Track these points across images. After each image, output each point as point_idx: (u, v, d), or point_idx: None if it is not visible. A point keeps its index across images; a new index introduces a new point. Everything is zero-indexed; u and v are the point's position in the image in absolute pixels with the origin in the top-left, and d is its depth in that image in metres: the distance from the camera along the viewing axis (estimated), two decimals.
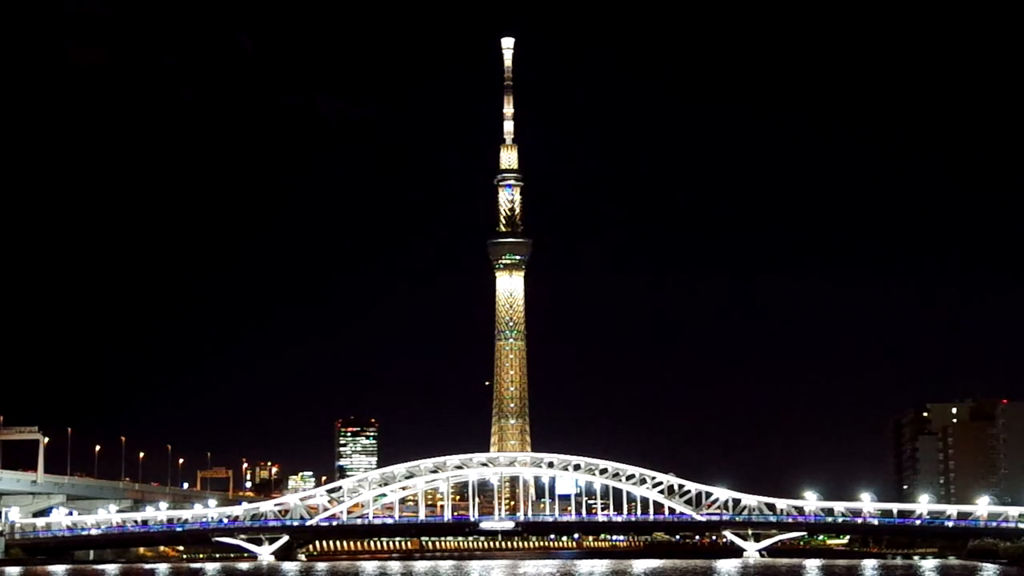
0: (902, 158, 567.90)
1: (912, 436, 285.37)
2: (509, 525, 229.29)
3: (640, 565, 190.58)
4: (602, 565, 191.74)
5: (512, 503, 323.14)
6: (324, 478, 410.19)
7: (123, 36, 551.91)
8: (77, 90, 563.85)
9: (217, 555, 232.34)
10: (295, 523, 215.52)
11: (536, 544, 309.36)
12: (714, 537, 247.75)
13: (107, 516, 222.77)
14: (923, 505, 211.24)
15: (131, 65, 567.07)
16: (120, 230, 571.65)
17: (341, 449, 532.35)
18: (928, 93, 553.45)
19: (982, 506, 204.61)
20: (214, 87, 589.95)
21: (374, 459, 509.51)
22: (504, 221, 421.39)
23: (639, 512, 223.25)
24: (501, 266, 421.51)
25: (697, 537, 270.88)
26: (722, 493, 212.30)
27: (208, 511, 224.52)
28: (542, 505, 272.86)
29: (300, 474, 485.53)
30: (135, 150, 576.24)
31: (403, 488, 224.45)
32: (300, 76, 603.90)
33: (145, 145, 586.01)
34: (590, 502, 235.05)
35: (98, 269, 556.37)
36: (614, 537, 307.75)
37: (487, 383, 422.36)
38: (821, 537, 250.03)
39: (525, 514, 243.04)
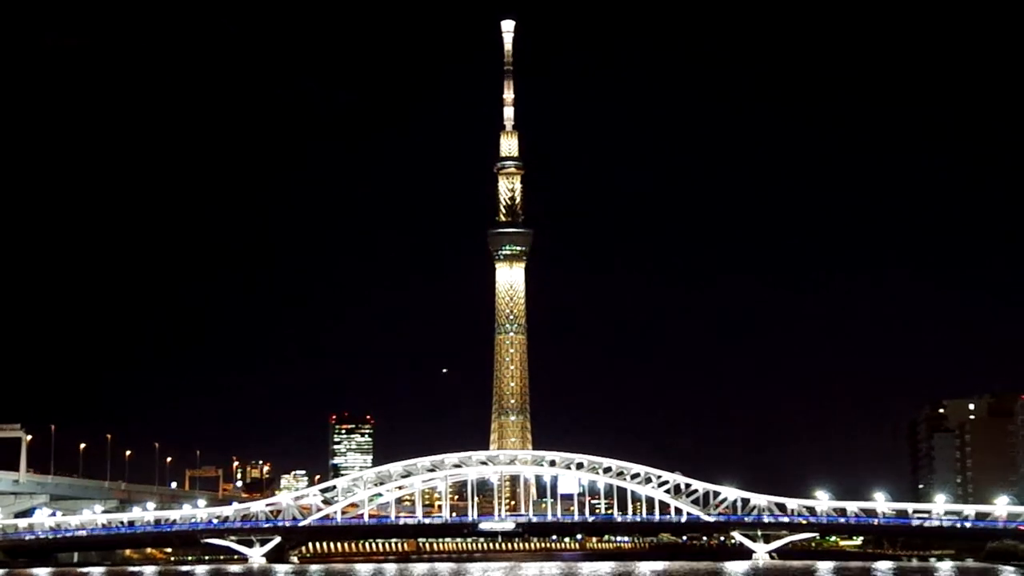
0: (917, 150, 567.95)
1: (928, 433, 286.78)
2: (509, 526, 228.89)
3: (645, 567, 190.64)
4: (606, 567, 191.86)
5: (512, 503, 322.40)
6: (317, 477, 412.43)
7: (103, 19, 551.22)
8: (55, 75, 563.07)
9: (206, 557, 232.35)
10: (287, 524, 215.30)
11: (537, 546, 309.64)
12: (722, 538, 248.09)
13: (92, 517, 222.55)
14: (940, 505, 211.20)
15: (111, 49, 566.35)
16: (104, 223, 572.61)
17: (335, 447, 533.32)
18: (940, 83, 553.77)
19: (1001, 506, 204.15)
20: (197, 72, 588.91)
21: (369, 457, 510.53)
22: (504, 210, 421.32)
23: (644, 512, 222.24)
24: (501, 257, 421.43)
25: (704, 538, 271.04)
26: (731, 493, 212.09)
27: (197, 511, 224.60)
28: (544, 505, 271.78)
29: (293, 473, 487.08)
30: (116, 140, 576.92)
31: (399, 487, 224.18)
32: (286, 60, 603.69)
33: (127, 135, 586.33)
34: (593, 502, 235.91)
35: (80, 262, 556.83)
36: (618, 538, 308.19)
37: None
38: (833, 538, 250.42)
39: (526, 514, 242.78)
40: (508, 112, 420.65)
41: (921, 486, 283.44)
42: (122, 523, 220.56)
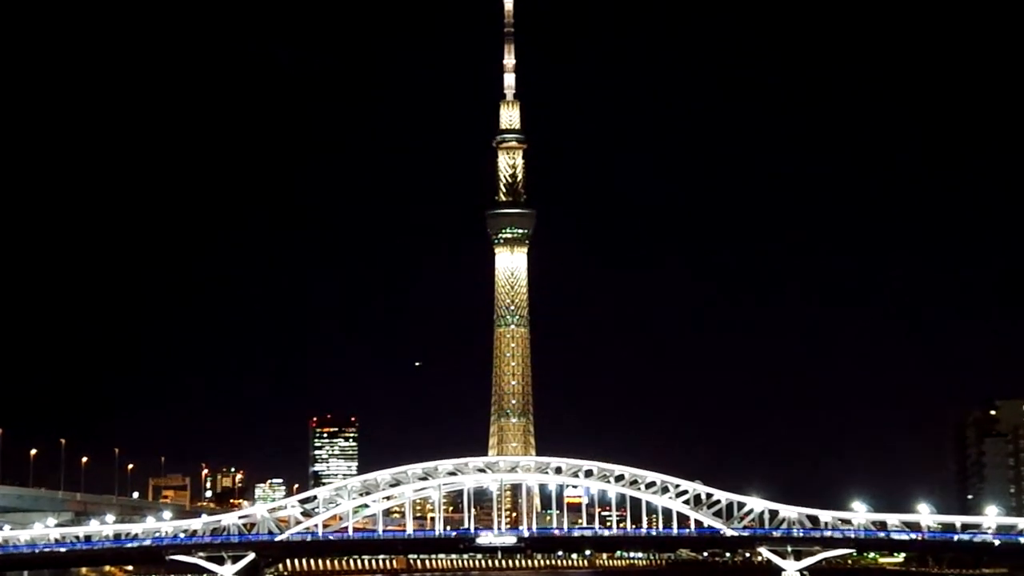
0: (963, 143, 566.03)
1: (977, 438, 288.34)
2: (511, 540, 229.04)
3: None
4: None
5: (514, 515, 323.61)
6: (296, 486, 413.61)
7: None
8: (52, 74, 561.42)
9: (172, 575, 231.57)
10: (262, 538, 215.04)
11: (542, 562, 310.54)
12: (748, 555, 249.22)
13: (44, 531, 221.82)
14: (991, 518, 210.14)
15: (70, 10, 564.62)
16: (67, 220, 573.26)
17: (316, 453, 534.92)
18: (973, 81, 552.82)
19: None
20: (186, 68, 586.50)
21: (354, 464, 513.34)
22: (504, 189, 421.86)
23: (660, 526, 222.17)
24: (501, 241, 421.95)
25: (728, 555, 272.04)
26: (757, 504, 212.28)
27: (162, 525, 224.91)
28: (548, 517, 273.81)
29: (269, 482, 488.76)
30: (82, 116, 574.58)
31: (388, 498, 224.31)
32: (261, 23, 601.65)
33: (92, 111, 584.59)
34: (604, 514, 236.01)
35: (37, 257, 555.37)
36: (631, 554, 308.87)
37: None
38: (872, 555, 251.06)
39: (529, 528, 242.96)
40: (509, 79, 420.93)
41: (970, 496, 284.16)
42: (78, 538, 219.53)
